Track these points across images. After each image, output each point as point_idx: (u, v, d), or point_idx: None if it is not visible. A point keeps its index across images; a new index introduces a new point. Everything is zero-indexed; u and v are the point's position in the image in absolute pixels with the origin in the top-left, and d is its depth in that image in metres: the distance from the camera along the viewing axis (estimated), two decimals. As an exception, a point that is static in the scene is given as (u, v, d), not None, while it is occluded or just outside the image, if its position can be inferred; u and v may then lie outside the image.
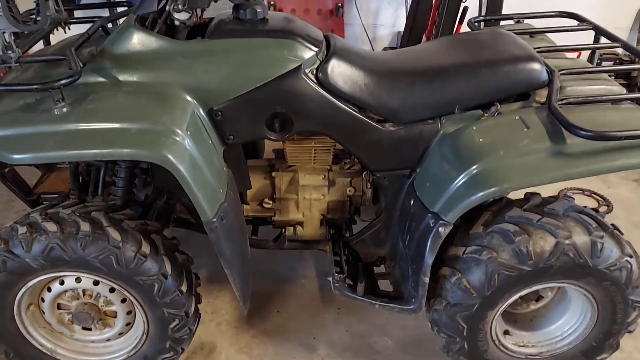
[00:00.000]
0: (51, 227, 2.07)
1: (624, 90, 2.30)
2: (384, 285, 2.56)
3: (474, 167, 2.03)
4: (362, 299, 2.44)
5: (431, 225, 2.13)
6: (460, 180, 2.05)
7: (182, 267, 2.30)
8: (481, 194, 1.99)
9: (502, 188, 1.98)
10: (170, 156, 1.90)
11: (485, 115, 2.25)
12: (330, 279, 2.49)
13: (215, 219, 2.06)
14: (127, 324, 2.42)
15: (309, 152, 2.57)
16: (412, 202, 2.32)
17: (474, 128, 2.17)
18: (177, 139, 1.95)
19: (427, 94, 2.27)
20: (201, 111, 2.17)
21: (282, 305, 3.07)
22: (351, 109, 2.27)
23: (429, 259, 2.15)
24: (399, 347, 2.82)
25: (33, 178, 2.84)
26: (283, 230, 2.77)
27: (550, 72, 2.24)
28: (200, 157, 2.02)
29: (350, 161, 2.70)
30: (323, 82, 2.23)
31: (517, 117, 2.14)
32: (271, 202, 2.70)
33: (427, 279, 2.20)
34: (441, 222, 2.10)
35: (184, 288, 2.25)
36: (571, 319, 2.42)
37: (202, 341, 2.83)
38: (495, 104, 2.25)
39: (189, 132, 2.00)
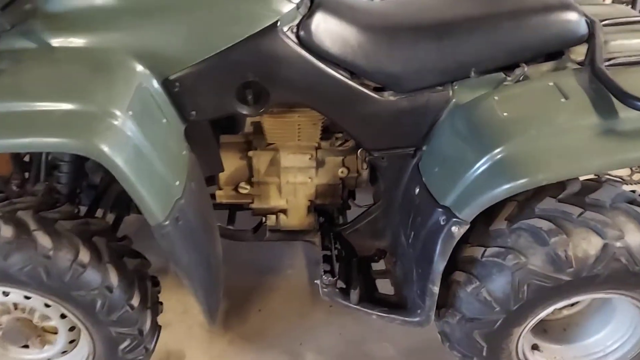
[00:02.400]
0: None
1: None
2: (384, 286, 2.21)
3: (498, 150, 1.62)
4: (356, 307, 2.07)
5: (442, 223, 1.73)
6: (480, 167, 1.64)
7: (134, 275, 1.92)
8: (507, 186, 1.58)
9: (535, 179, 1.57)
10: (103, 147, 1.48)
11: (509, 79, 1.88)
12: (318, 282, 2.13)
13: (167, 222, 1.66)
14: (71, 341, 2.04)
15: (292, 128, 2.19)
16: (417, 190, 1.93)
17: (496, 98, 1.77)
18: (115, 122, 1.54)
19: (435, 55, 1.90)
20: (154, 82, 1.77)
21: (265, 302, 2.74)
22: (341, 74, 1.90)
23: (439, 266, 1.76)
24: (400, 355, 2.49)
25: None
26: (263, 219, 2.41)
27: (590, 23, 1.87)
28: (147, 143, 1.61)
29: (342, 136, 2.33)
30: (305, 41, 1.85)
31: (551, 84, 1.74)
32: (248, 186, 2.33)
33: (436, 289, 1.82)
34: (455, 219, 1.69)
35: (135, 302, 1.87)
36: (616, 331, 2.05)
37: (168, 349, 2.48)
38: (521, 66, 1.88)
39: (130, 113, 1.59)
